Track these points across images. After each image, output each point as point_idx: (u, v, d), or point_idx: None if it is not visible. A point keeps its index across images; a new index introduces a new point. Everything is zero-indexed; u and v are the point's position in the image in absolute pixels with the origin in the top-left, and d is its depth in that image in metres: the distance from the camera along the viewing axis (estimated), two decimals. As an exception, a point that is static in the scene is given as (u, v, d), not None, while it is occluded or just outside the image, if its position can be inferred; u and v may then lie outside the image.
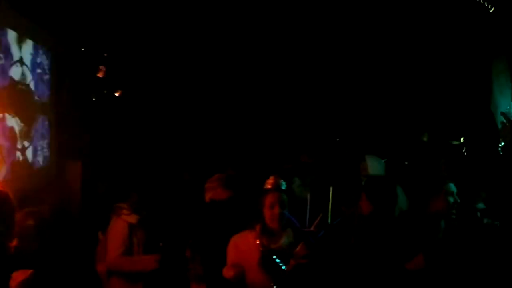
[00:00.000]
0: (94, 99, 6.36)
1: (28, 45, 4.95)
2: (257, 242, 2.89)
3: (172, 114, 7.11)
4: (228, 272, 2.92)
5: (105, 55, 6.32)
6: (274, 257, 2.81)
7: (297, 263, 2.79)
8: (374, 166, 4.32)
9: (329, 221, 3.66)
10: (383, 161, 4.46)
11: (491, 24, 5.36)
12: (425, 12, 6.05)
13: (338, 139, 6.94)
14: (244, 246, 2.95)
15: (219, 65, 7.17)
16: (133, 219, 3.44)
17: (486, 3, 5.18)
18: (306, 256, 2.78)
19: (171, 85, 7.14)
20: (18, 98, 4.73)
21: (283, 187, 2.96)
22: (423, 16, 6.08)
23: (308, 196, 2.92)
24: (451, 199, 3.28)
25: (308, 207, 2.83)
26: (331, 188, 3.89)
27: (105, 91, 6.47)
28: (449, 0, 5.71)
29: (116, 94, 6.27)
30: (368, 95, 7.12)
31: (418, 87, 6.78)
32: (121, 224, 3.43)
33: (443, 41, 6.18)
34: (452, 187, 3.31)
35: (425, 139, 6.85)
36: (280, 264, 2.80)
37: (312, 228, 2.82)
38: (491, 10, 5.08)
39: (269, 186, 2.96)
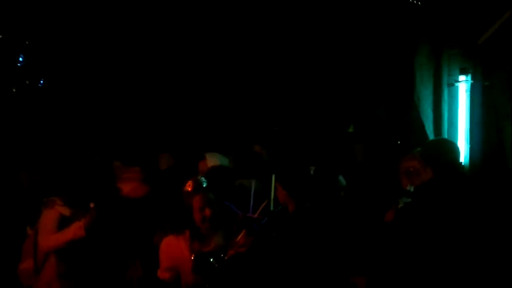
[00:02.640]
0: (14, 90, 6.04)
1: None
2: (188, 247, 2.87)
3: (99, 105, 6.84)
4: (163, 275, 2.94)
5: (26, 42, 6.01)
6: (211, 259, 2.79)
7: (236, 253, 2.77)
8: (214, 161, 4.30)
9: (271, 208, 3.70)
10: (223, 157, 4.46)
11: (414, 15, 5.55)
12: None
13: (276, 128, 6.97)
14: (176, 251, 2.92)
15: (148, 52, 6.94)
16: (66, 211, 3.39)
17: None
18: (245, 244, 2.77)
19: (97, 74, 6.86)
20: None
21: (205, 185, 2.92)
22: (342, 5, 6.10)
23: (253, 183, 2.94)
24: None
25: (252, 194, 2.85)
26: (273, 176, 3.93)
27: (27, 82, 6.16)
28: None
29: None
30: (294, 88, 7.11)
31: (339, 78, 6.86)
32: (53, 213, 3.38)
33: (364, 32, 6.28)
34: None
35: (350, 130, 7.00)
36: (216, 265, 2.77)
37: (256, 215, 2.83)
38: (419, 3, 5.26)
39: (189, 189, 2.91)
